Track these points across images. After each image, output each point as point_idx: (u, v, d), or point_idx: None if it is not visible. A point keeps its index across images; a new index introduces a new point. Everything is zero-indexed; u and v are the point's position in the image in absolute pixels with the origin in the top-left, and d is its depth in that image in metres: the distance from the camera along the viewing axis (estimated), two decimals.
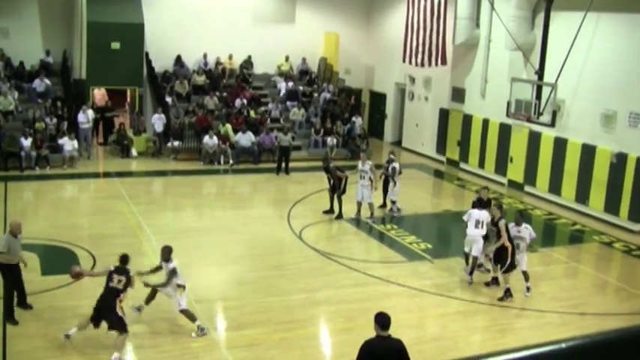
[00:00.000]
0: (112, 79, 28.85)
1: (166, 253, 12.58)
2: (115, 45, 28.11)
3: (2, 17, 28.31)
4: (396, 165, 20.31)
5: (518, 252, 14.66)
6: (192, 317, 12.36)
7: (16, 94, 26.95)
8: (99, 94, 28.97)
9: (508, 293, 14.51)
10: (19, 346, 11.54)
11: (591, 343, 4.92)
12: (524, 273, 14.92)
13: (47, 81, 27.77)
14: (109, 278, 11.79)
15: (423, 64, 26.97)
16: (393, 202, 20.50)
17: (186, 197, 21.97)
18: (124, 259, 12.12)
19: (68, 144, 24.69)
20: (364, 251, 17.47)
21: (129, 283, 11.77)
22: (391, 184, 20.39)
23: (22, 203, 20.92)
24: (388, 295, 14.68)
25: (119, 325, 11.45)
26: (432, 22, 26.21)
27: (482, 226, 15.18)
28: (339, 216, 19.91)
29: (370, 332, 8.67)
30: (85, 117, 26.33)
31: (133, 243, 17.19)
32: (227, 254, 16.86)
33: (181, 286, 12.47)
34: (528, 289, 14.88)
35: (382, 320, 8.41)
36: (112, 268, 11.94)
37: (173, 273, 12.40)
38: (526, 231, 14.83)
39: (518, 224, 14.86)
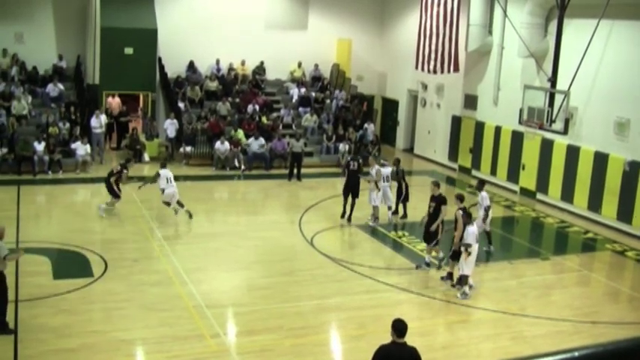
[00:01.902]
0: (125, 84, 29.00)
1: None
2: (129, 50, 28.28)
3: (17, 22, 28.48)
4: (372, 171, 20.06)
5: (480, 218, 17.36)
6: None
7: (30, 98, 27.10)
8: (114, 103, 29.07)
9: (450, 278, 15.58)
10: (30, 349, 11.56)
11: (604, 352, 4.90)
12: (488, 233, 18.01)
13: (60, 86, 27.90)
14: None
15: (435, 71, 26.93)
16: (374, 208, 20.17)
17: (198, 202, 21.98)
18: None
19: (81, 148, 24.80)
20: (376, 258, 17.42)
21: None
22: (374, 190, 20.13)
23: (34, 207, 21.01)
24: (399, 302, 14.66)
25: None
26: (445, 28, 26.18)
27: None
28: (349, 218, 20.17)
29: (381, 339, 8.67)
30: (98, 122, 26.46)
31: (145, 247, 17.26)
32: (239, 260, 16.87)
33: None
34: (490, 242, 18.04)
35: (399, 327, 8.42)
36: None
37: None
38: (484, 198, 17.68)
39: (479, 190, 17.78)
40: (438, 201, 16.39)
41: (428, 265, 16.53)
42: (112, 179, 20.14)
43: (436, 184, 16.83)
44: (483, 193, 17.90)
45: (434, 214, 16.31)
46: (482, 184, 18.19)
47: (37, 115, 26.67)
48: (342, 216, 20.26)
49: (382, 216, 20.18)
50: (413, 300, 14.79)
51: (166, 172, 19.77)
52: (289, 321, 13.32)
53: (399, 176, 20.81)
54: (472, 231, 14.72)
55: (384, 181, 20.12)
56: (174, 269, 15.67)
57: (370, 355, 8.47)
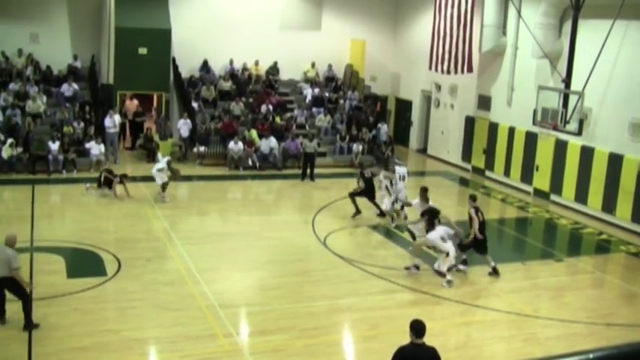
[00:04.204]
0: (139, 84, 29.11)
1: None
2: (143, 50, 28.37)
3: (32, 22, 28.66)
4: (380, 176, 20.68)
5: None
6: None
7: (45, 98, 27.24)
8: (132, 105, 29.22)
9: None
10: (44, 347, 11.62)
11: (618, 354, 4.88)
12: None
13: (75, 85, 28.02)
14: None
15: (449, 72, 26.86)
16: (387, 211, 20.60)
17: (211, 202, 22.05)
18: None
19: (95, 148, 24.92)
20: (389, 258, 17.38)
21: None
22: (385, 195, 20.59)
23: (48, 206, 21.11)
24: (412, 302, 14.63)
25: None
26: (459, 29, 26.11)
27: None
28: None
29: (394, 340, 8.67)
30: (112, 121, 26.54)
31: (158, 247, 17.30)
32: (252, 260, 16.88)
33: None
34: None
35: (417, 327, 8.37)
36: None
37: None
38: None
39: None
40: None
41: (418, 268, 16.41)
42: (109, 176, 21.66)
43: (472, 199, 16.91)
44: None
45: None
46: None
47: (51, 114, 26.80)
48: (355, 215, 20.35)
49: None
50: (426, 301, 14.75)
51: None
52: (302, 321, 13.32)
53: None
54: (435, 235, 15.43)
55: (400, 180, 20.29)
56: (187, 269, 15.70)
57: (383, 356, 8.47)
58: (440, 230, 15.73)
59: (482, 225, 16.28)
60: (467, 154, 28.82)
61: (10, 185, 22.84)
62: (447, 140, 30.27)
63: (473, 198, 16.65)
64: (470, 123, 28.54)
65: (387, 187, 20.08)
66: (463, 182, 27.11)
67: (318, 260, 17.05)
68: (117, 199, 21.16)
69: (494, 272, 16.23)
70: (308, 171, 25.49)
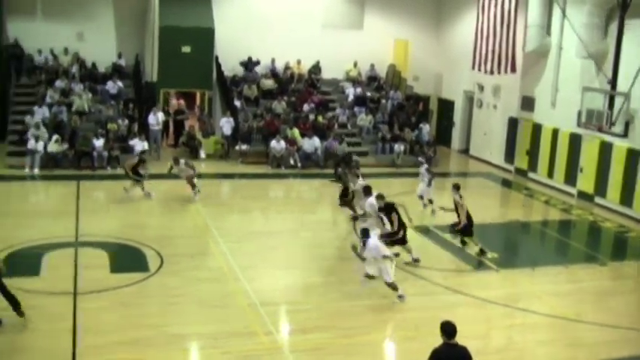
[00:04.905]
0: (183, 82, 29.36)
1: None
2: (186, 49, 28.56)
3: (78, 21, 29.18)
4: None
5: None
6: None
7: (90, 95, 27.62)
8: (176, 103, 29.56)
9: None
10: (87, 341, 11.77)
11: None
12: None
13: (119, 83, 28.39)
14: None
15: (492, 72, 26.67)
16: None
17: (253, 200, 22.15)
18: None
19: (139, 145, 25.20)
20: (430, 259, 17.25)
21: None
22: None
23: (92, 202, 21.39)
24: (453, 304, 14.52)
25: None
26: (502, 29, 25.90)
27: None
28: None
29: (435, 341, 8.64)
30: (155, 119, 26.85)
31: (200, 244, 17.45)
32: (292, 258, 16.92)
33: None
34: None
35: (448, 329, 8.60)
36: None
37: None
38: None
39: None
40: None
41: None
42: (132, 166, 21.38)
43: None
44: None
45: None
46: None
47: (96, 111, 27.17)
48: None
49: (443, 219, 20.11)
50: (468, 302, 14.64)
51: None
52: (342, 320, 13.31)
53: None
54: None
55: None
56: (228, 266, 15.80)
57: (422, 358, 8.47)
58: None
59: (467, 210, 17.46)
60: (510, 156, 28.55)
61: (56, 181, 23.28)
62: (490, 141, 30.02)
63: (457, 187, 17.69)
64: (513, 124, 28.27)
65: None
66: (506, 184, 26.86)
67: (358, 259, 16.97)
68: (158, 196, 21.36)
69: (482, 253, 17.48)
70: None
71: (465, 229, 17.48)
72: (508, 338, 13.37)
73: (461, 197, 17.50)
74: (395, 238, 16.24)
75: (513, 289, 15.66)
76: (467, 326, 12.59)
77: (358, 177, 19.76)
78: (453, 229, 17.84)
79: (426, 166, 22.05)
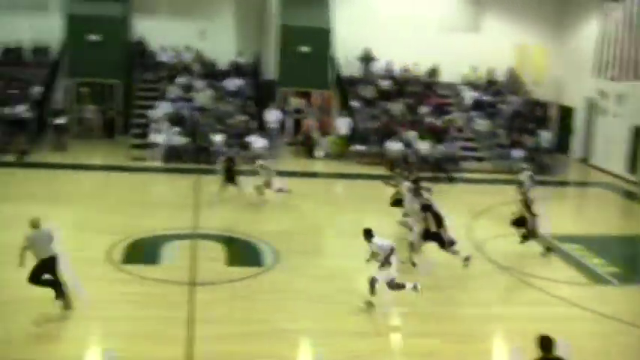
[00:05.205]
0: (301, 82, 29.68)
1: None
2: (305, 48, 28.84)
3: (200, 19, 30.05)
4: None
5: None
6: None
7: (210, 92, 28.30)
8: (296, 102, 29.97)
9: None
10: (202, 331, 12.02)
11: None
12: None
13: (239, 81, 28.98)
14: None
15: (615, 79, 25.72)
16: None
17: (368, 202, 22.07)
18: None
19: (258, 142, 25.57)
20: (546, 269, 16.74)
21: None
22: None
23: (210, 196, 21.83)
24: (569, 317, 14.00)
25: None
26: (626, 34, 24.94)
27: None
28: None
29: None
30: (273, 116, 27.24)
31: (315, 242, 17.59)
32: (406, 261, 16.76)
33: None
34: None
35: (544, 343, 8.86)
36: None
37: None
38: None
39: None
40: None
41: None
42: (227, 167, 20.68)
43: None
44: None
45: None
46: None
47: (216, 108, 27.81)
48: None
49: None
50: (584, 317, 14.10)
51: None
52: (454, 326, 13.10)
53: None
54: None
55: None
56: (342, 265, 15.81)
57: None
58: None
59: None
60: (633, 166, 27.42)
61: (178, 174, 24.04)
62: (612, 150, 28.91)
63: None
64: (637, 133, 27.15)
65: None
66: (628, 195, 25.81)
67: (473, 266, 16.63)
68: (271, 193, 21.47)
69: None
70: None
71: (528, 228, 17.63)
72: (627, 357, 12.78)
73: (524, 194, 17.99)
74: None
75: (634, 306, 15.02)
76: (583, 341, 12.23)
77: (407, 178, 19.42)
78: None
79: (529, 173, 21.45)
